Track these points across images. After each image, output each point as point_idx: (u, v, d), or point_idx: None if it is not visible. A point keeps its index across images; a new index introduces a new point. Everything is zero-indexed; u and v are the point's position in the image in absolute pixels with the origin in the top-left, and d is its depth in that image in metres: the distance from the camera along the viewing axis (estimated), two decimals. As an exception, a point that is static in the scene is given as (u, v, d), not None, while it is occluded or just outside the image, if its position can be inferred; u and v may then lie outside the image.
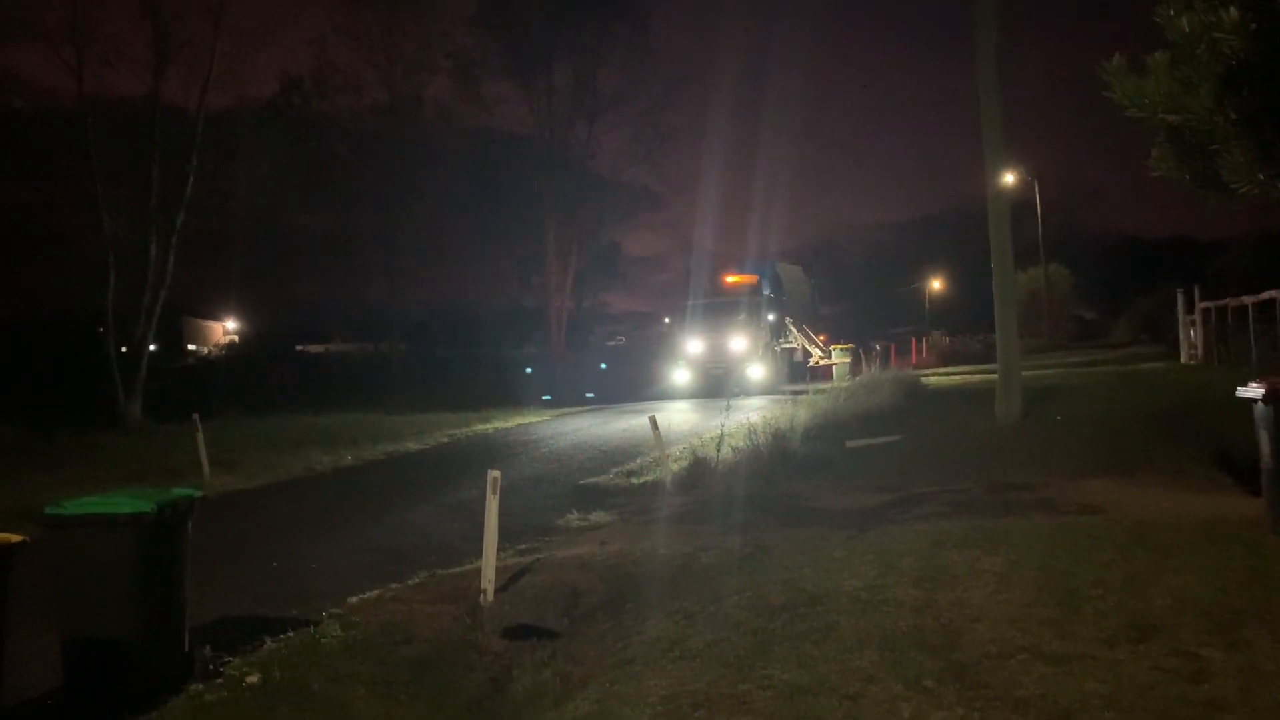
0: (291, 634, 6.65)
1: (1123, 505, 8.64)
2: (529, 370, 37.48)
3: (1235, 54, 4.22)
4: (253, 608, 7.57)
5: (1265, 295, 19.68)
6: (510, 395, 30.03)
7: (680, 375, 30.59)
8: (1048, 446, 12.32)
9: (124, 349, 26.67)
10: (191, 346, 58.60)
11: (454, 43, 41.95)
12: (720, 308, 31.21)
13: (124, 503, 5.64)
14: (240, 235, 36.19)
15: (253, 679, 5.80)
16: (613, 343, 57.10)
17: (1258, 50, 4.14)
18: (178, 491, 6.05)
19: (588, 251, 45.17)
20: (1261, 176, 4.33)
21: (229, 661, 6.10)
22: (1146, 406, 14.21)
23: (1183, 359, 26.79)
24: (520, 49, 41.92)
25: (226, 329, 61.81)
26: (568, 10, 41.27)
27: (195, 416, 15.93)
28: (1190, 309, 26.34)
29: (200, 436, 15.43)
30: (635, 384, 34.85)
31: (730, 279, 32.43)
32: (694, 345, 30.74)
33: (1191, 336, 26.23)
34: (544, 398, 30.71)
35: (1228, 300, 22.67)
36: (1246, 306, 20.97)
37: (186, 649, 6.00)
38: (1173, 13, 4.53)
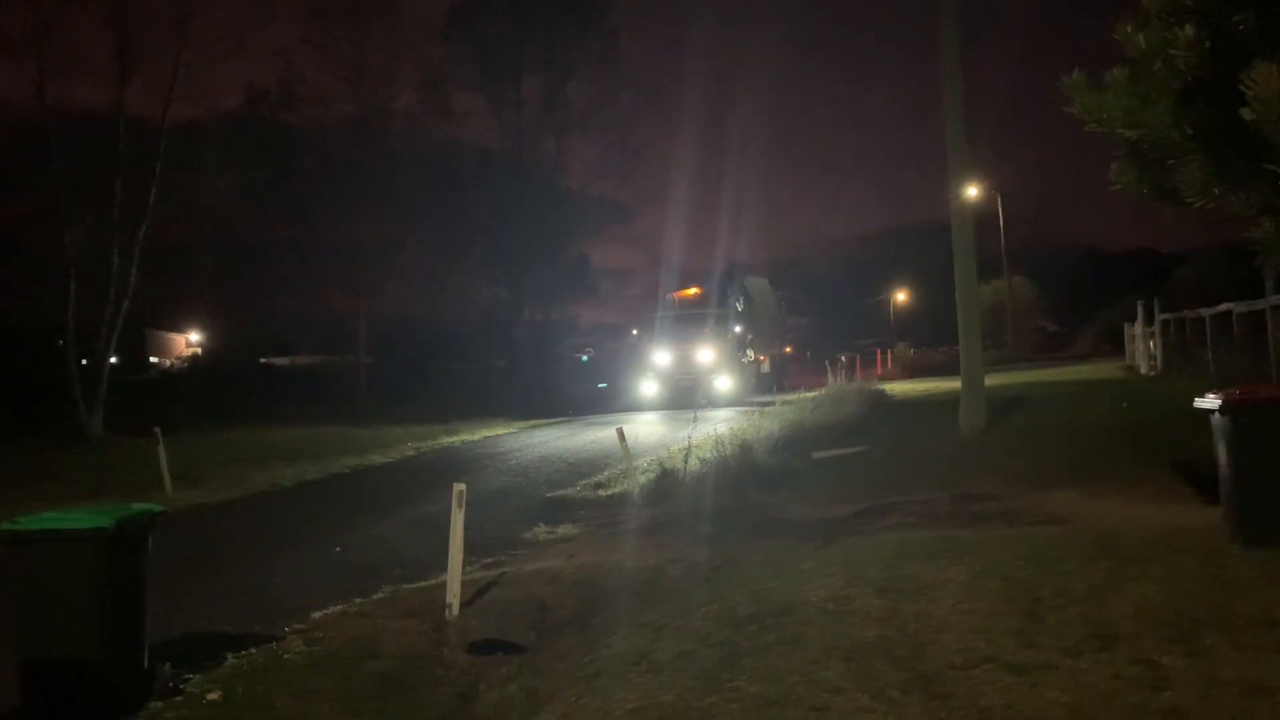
0: (254, 650, 6.57)
1: (1085, 515, 8.72)
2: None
3: (1191, 70, 4.29)
4: (215, 624, 7.48)
5: (1223, 308, 19.96)
6: (477, 407, 29.91)
7: (648, 387, 30.62)
8: (1011, 457, 12.44)
9: (85, 361, 26.31)
10: (154, 359, 57.92)
11: (422, 55, 41.84)
12: (688, 319, 31.33)
13: (82, 518, 5.56)
14: (205, 247, 35.83)
15: (214, 696, 5.73)
16: (581, 355, 57.00)
17: (1212, 67, 4.21)
18: (138, 507, 5.97)
19: (556, 264, 45.07)
20: (1217, 190, 4.39)
21: (190, 679, 6.02)
22: (1108, 417, 14.39)
23: (1143, 370, 27.18)
24: (489, 62, 41.87)
25: (190, 341, 61.19)
26: (536, 24, 41.29)
27: (157, 430, 15.72)
28: (1150, 321, 26.74)
29: (162, 450, 15.22)
30: (604, 395, 34.84)
31: (690, 291, 32.63)
32: (662, 357, 30.79)
33: (1151, 348, 26.61)
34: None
35: (1186, 312, 23.00)
36: (1204, 318, 21.27)
37: (147, 667, 5.91)
38: (1131, 29, 4.60)
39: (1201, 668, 4.60)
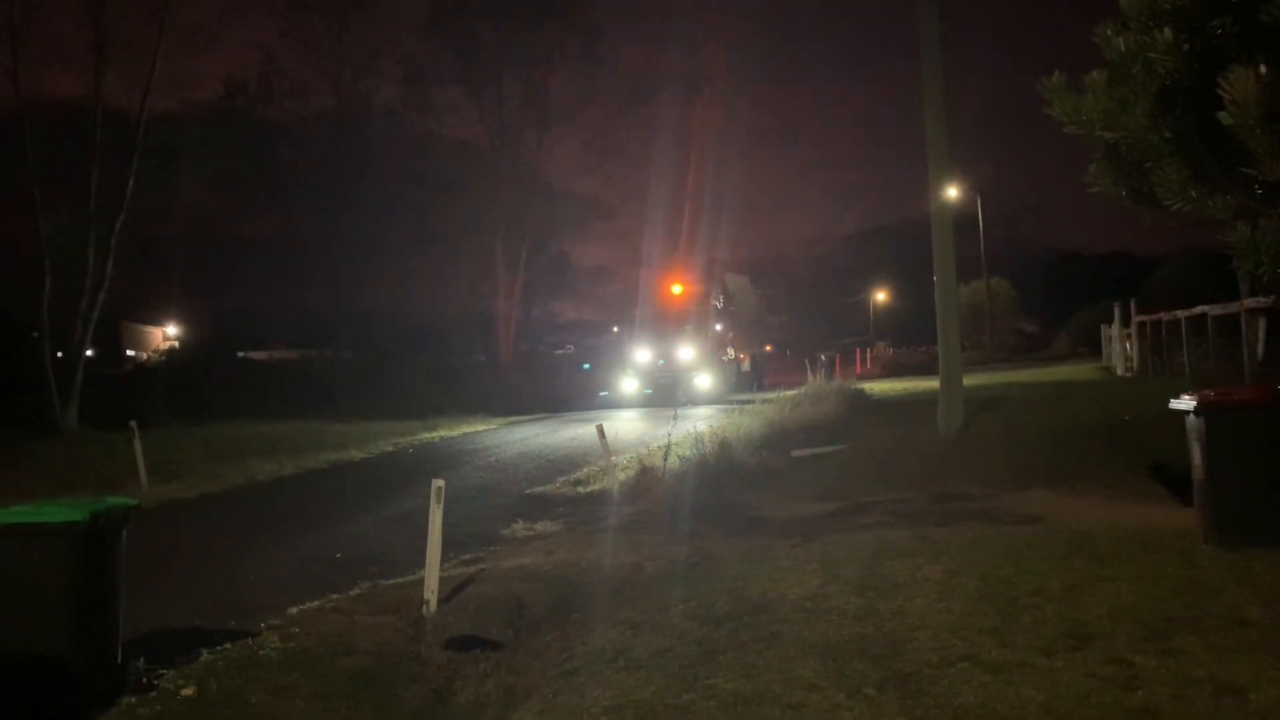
0: (229, 646, 6.52)
1: (1061, 515, 8.79)
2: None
3: (1169, 74, 4.32)
4: (189, 619, 7.42)
5: (1198, 310, 20.17)
6: (457, 403, 29.82)
7: (628, 384, 30.61)
8: (988, 457, 12.50)
9: (59, 354, 26.06)
10: (130, 352, 57.41)
11: (403, 49, 41.64)
12: (668, 317, 31.33)
13: (56, 512, 5.50)
14: (182, 240, 35.55)
15: (188, 692, 5.69)
16: (561, 351, 56.95)
17: (1190, 71, 4.24)
18: (112, 501, 5.92)
19: (537, 261, 44.96)
20: (1193, 193, 4.42)
21: (164, 674, 5.97)
22: (1084, 418, 14.47)
23: (1119, 371, 27.41)
24: (470, 57, 41.70)
25: (167, 335, 60.64)
26: (518, 20, 41.15)
27: (132, 424, 15.56)
28: (1127, 323, 26.96)
29: (137, 444, 15.08)
30: (584, 392, 34.82)
31: (671, 289, 32.64)
32: (642, 354, 30.79)
33: (1127, 350, 26.84)
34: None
35: (1162, 315, 23.22)
36: (1180, 321, 21.47)
37: (120, 662, 5.85)
38: (1110, 32, 4.62)
39: (1174, 667, 4.64)
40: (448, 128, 43.40)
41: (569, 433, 21.16)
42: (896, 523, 9.01)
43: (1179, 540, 7.12)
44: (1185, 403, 7.21)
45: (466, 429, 23.69)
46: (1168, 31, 4.23)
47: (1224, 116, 3.93)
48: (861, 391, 23.80)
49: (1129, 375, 25.77)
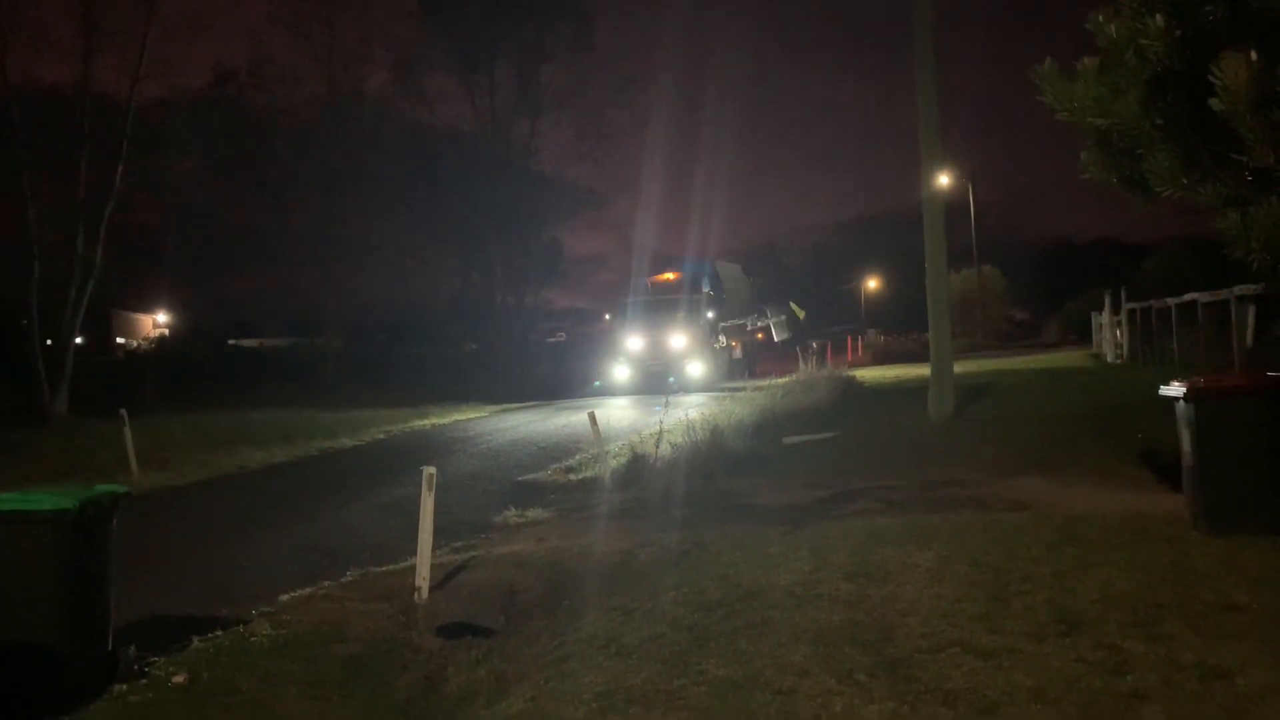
0: (220, 633, 6.51)
1: (1051, 502, 8.82)
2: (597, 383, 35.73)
3: (1160, 60, 4.31)
4: (181, 607, 7.41)
5: (1188, 298, 20.20)
6: (449, 391, 29.79)
7: (620, 372, 30.63)
8: (979, 444, 12.54)
9: (49, 342, 25.97)
10: (121, 340, 57.21)
11: (394, 36, 41.43)
12: (660, 305, 31.37)
13: (45, 499, 5.48)
14: (173, 227, 35.39)
15: (179, 679, 5.68)
16: (553, 339, 56.92)
17: (1182, 57, 4.23)
18: (102, 488, 5.89)
19: (529, 249, 44.86)
20: (1184, 181, 4.41)
21: (155, 662, 5.95)
22: (1074, 405, 14.53)
23: (1109, 359, 27.52)
24: (462, 44, 41.50)
25: (157, 322, 60.42)
26: (510, 6, 40.96)
27: (123, 411, 15.51)
28: (1117, 310, 27.04)
29: (128, 432, 15.03)
30: (575, 380, 34.82)
31: (664, 277, 32.66)
32: (634, 342, 30.80)
33: (1118, 337, 26.94)
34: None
35: (1152, 302, 23.28)
36: (1170, 308, 21.53)
37: (110, 650, 5.84)
38: (1102, 19, 4.61)
39: (1163, 652, 4.67)
40: (439, 115, 43.22)
41: (560, 420, 21.17)
42: (887, 509, 9.04)
43: (1168, 527, 7.16)
44: (1175, 389, 7.23)
45: (458, 417, 23.69)
46: (1159, 18, 4.22)
47: (1215, 103, 3.93)
48: (853, 379, 23.87)
49: (1119, 363, 25.87)
